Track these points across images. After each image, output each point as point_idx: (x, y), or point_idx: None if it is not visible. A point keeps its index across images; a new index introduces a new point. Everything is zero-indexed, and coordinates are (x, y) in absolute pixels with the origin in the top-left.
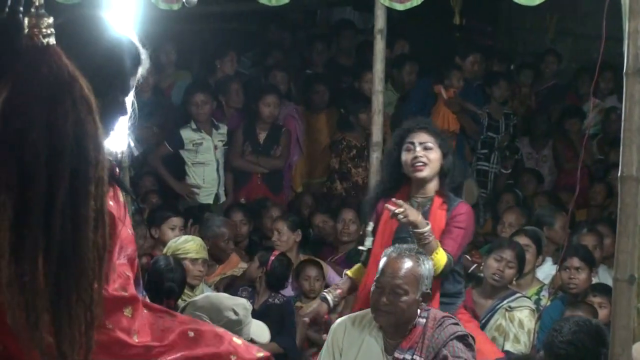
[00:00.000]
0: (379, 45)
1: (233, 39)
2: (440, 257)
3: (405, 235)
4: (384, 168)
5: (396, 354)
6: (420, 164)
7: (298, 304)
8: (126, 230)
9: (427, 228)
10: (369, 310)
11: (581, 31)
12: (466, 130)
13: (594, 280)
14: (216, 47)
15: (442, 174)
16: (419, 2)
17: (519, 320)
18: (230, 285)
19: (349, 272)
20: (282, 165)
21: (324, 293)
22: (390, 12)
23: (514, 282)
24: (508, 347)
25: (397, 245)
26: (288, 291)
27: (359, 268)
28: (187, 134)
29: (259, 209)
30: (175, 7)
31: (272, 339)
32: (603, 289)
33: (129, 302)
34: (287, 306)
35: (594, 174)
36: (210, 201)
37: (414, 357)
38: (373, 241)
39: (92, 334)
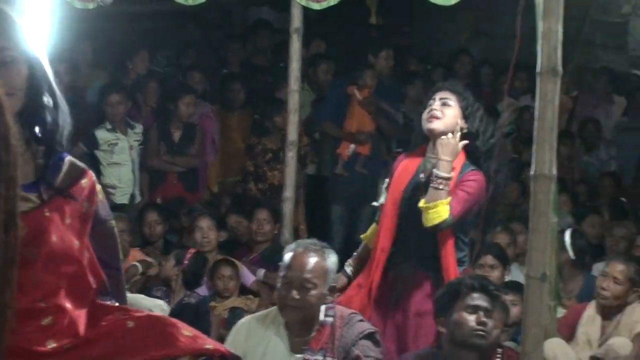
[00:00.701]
0: (295, 45)
1: (149, 38)
2: (442, 210)
3: (415, 193)
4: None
5: (307, 356)
6: (433, 117)
7: (212, 303)
8: (63, 242)
9: (449, 175)
10: (272, 308)
11: (496, 31)
12: (383, 130)
13: (507, 278)
14: (130, 46)
15: (467, 135)
16: (336, 2)
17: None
18: (144, 285)
19: (363, 236)
20: (197, 164)
21: (345, 266)
22: (307, 11)
23: None
24: None
25: (299, 240)
26: (203, 290)
27: (373, 228)
28: (102, 135)
29: (175, 209)
30: (91, 6)
31: None
32: (515, 287)
33: (47, 312)
34: (202, 305)
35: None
36: (126, 201)
37: (326, 358)
38: (386, 197)
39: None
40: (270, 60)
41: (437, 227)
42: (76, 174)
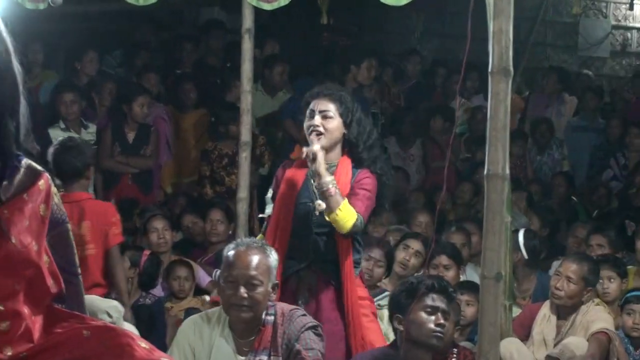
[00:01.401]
0: (247, 45)
1: (99, 38)
2: (347, 214)
3: (307, 200)
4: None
5: (250, 357)
6: (316, 132)
7: (168, 304)
8: (22, 244)
9: (330, 178)
10: (217, 308)
11: (447, 31)
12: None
13: (462, 278)
14: (81, 47)
15: (348, 142)
16: (286, 2)
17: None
18: None
19: None
20: (152, 165)
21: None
22: (258, 12)
23: (383, 280)
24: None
25: (240, 239)
26: (158, 291)
27: (261, 239)
28: (56, 133)
29: (129, 210)
30: (42, 6)
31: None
32: (471, 287)
33: (4, 317)
34: (158, 306)
35: (461, 173)
36: None
37: (271, 357)
38: (273, 207)
39: None
40: (222, 61)
41: (354, 230)
42: (33, 175)
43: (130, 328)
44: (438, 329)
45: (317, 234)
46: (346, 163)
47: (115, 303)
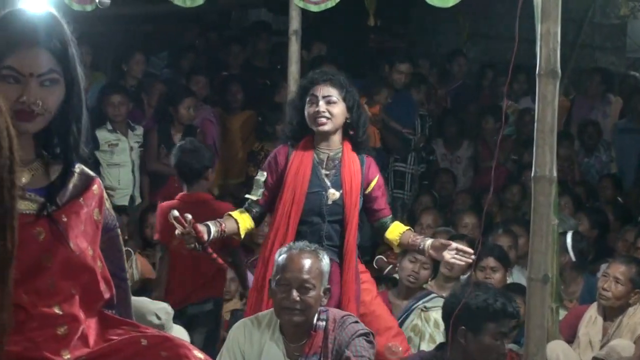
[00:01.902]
0: (294, 47)
1: (147, 40)
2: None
3: (318, 189)
4: (288, 119)
5: None
6: (323, 119)
7: None
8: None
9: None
10: (268, 311)
11: (494, 33)
12: (389, 146)
13: (509, 281)
14: (128, 48)
15: (348, 126)
16: (334, 4)
17: (435, 320)
18: (144, 288)
19: (232, 213)
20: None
21: (209, 223)
22: (305, 13)
23: (430, 282)
24: (424, 346)
25: (292, 243)
26: None
27: (245, 218)
28: (103, 135)
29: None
30: (89, 8)
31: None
32: (517, 289)
33: (63, 321)
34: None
35: (511, 174)
36: (126, 203)
37: None
38: (263, 192)
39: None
40: (269, 63)
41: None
42: (87, 180)
43: (180, 331)
44: (502, 352)
45: (329, 222)
46: (348, 149)
47: (164, 305)
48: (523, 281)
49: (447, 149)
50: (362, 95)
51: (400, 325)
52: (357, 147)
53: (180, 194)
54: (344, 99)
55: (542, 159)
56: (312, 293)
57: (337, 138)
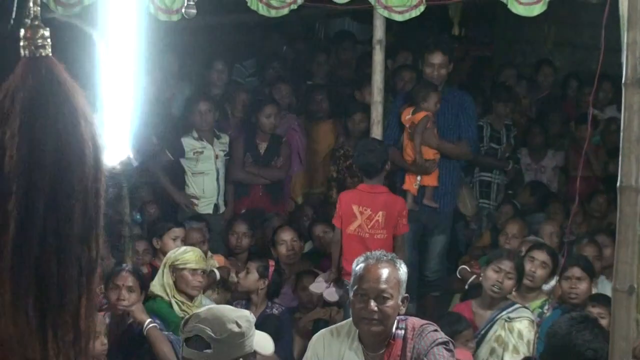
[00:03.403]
0: (378, 56)
1: (231, 49)
2: None
3: None
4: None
5: None
6: None
7: (297, 314)
8: None
9: None
10: (347, 321)
11: (579, 41)
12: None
13: (594, 291)
14: (212, 58)
15: None
16: (418, 13)
17: (518, 331)
18: (225, 300)
19: None
20: (283, 177)
21: None
22: (390, 23)
23: (513, 292)
24: (507, 357)
25: (369, 252)
26: (282, 300)
27: None
28: (189, 142)
29: (261, 221)
30: (175, 18)
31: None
32: (602, 300)
33: None
34: (285, 316)
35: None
36: (210, 211)
37: None
38: None
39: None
40: (354, 72)
41: None
42: None
43: (264, 337)
44: None
45: None
46: None
47: (246, 312)
48: (608, 292)
49: (531, 159)
50: (409, 104)
51: (484, 335)
52: None
53: (361, 184)
54: None
55: (628, 168)
56: (389, 303)
57: None
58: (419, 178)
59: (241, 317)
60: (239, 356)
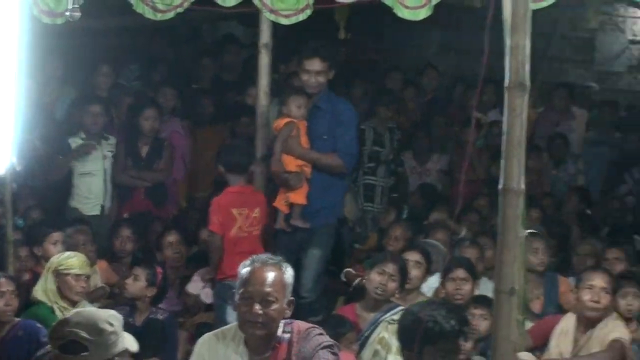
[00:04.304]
0: (264, 60)
1: (117, 53)
2: None
3: None
4: None
5: None
6: None
7: (180, 319)
8: None
9: None
10: (232, 325)
11: (464, 46)
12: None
13: (476, 292)
14: (97, 61)
15: None
16: (305, 17)
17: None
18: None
19: None
20: (164, 179)
21: None
22: (276, 27)
23: (396, 295)
24: (391, 359)
25: (255, 256)
26: (165, 304)
27: None
28: (76, 143)
29: (145, 224)
30: (59, 21)
31: (155, 354)
32: (484, 301)
33: None
34: (170, 321)
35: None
36: (97, 212)
37: None
38: None
39: None
40: (239, 76)
41: None
42: None
43: (130, 339)
44: None
45: None
46: None
47: (113, 312)
48: (490, 293)
49: (416, 162)
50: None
51: (368, 337)
52: None
53: (229, 187)
54: None
55: (510, 171)
56: (274, 306)
57: None
58: (288, 195)
59: (111, 316)
60: (114, 355)
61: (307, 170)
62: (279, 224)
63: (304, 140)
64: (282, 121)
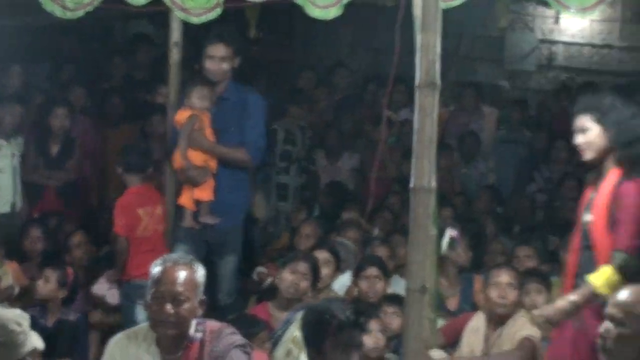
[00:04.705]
0: (175, 58)
1: (27, 52)
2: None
3: None
4: None
5: None
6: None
7: (92, 319)
8: None
9: None
10: (144, 325)
11: (376, 45)
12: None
13: (388, 290)
14: (5, 60)
15: None
16: (215, 16)
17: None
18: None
19: None
20: (74, 178)
21: None
22: (187, 25)
23: (309, 294)
24: (303, 358)
25: (167, 255)
26: (81, 306)
27: None
28: None
29: (55, 225)
30: None
31: (66, 355)
32: (396, 299)
33: None
34: (81, 321)
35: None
36: (8, 209)
37: None
38: None
39: None
40: (150, 75)
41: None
42: None
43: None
44: None
45: None
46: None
47: (18, 311)
48: (401, 291)
49: (327, 161)
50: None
51: (281, 336)
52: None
53: (130, 188)
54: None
55: (420, 170)
56: (186, 305)
57: None
58: (194, 191)
59: (18, 316)
60: (25, 354)
61: (212, 164)
62: (187, 222)
63: (208, 132)
64: (184, 114)
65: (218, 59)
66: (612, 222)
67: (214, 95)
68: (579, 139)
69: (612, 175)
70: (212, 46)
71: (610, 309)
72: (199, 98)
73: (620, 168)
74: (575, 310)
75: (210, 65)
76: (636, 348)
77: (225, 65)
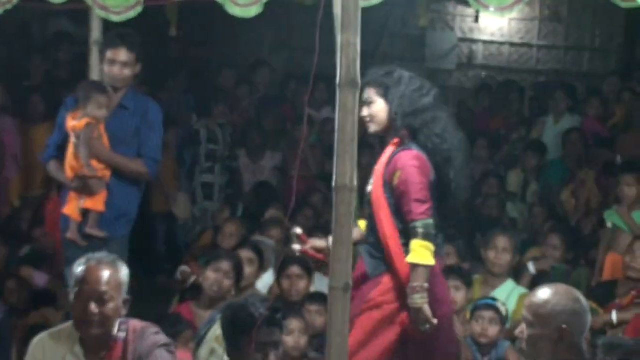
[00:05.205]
0: (95, 56)
1: None
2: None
3: None
4: None
5: None
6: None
7: (14, 319)
8: None
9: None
10: (68, 324)
11: (296, 43)
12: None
13: (311, 289)
14: None
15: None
16: (136, 14)
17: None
18: None
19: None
20: None
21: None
22: (109, 23)
23: (232, 292)
24: (226, 357)
25: (91, 254)
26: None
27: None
28: None
29: None
30: None
31: None
32: (319, 297)
33: None
34: (4, 321)
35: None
36: None
37: None
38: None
39: None
40: (71, 73)
41: None
42: None
43: None
44: None
45: None
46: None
47: None
48: (325, 289)
49: (250, 159)
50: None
51: (204, 336)
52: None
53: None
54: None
55: (342, 168)
56: (110, 305)
57: None
58: (82, 201)
59: None
60: None
61: (107, 174)
62: (71, 233)
63: (105, 141)
64: (82, 122)
65: (120, 64)
66: (389, 188)
67: (111, 103)
68: (364, 112)
69: (391, 146)
70: (114, 50)
71: (523, 312)
72: (97, 107)
73: (398, 139)
74: (424, 291)
75: (110, 70)
76: (548, 348)
77: (127, 72)
